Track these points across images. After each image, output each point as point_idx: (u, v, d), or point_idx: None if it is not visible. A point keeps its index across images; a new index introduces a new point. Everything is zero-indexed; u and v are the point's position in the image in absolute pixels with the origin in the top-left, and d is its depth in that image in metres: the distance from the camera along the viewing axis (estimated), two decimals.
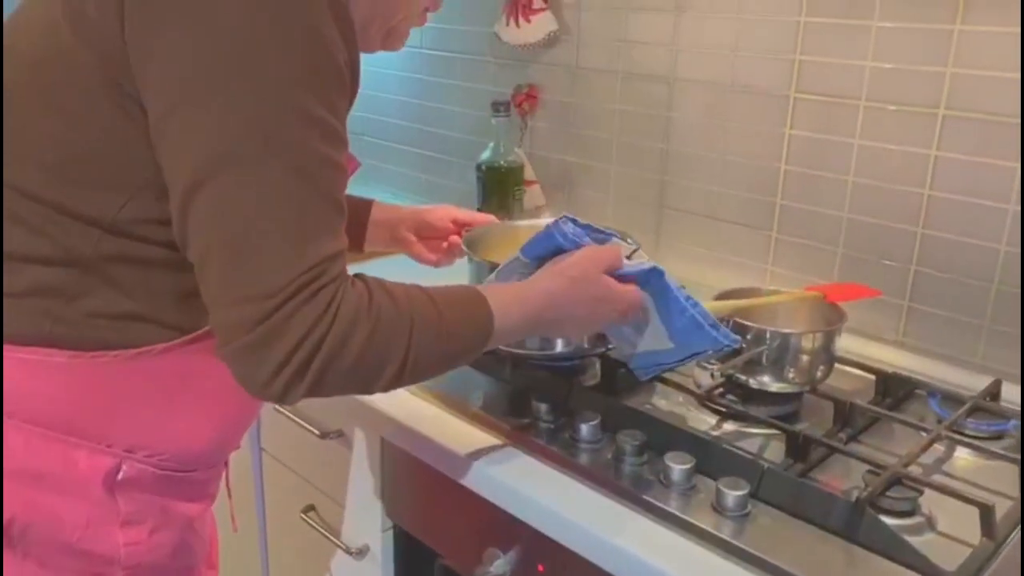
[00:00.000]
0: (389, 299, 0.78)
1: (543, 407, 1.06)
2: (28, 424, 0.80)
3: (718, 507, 0.90)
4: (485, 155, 1.67)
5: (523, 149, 1.74)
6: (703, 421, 1.07)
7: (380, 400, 1.11)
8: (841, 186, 1.33)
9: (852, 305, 1.13)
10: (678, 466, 0.93)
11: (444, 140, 1.98)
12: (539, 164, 1.75)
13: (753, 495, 0.91)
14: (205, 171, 0.71)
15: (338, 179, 0.77)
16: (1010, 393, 1.13)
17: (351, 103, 0.79)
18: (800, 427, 1.01)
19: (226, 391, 0.87)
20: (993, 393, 1.12)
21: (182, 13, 0.71)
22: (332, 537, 1.27)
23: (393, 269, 1.03)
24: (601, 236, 0.98)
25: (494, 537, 1.02)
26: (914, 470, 0.94)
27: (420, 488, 1.13)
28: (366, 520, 1.22)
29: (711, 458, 0.96)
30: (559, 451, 1.00)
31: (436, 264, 1.20)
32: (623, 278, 0.94)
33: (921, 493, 0.90)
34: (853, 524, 0.86)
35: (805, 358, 1.08)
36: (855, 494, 0.87)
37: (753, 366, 1.07)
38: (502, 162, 1.66)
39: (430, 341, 0.80)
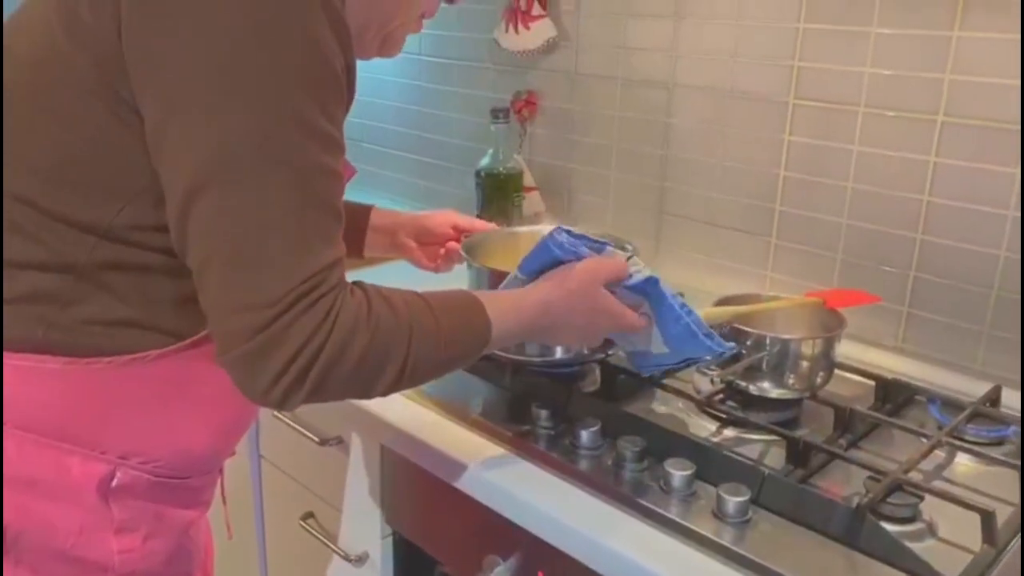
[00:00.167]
0: (388, 307, 0.78)
1: (543, 413, 1.06)
2: (21, 430, 0.80)
3: (719, 513, 0.90)
4: (484, 161, 1.68)
5: (522, 155, 1.75)
6: (703, 427, 1.07)
7: (380, 407, 1.10)
8: (840, 192, 1.33)
9: (852, 311, 1.13)
10: (678, 472, 0.93)
11: (443, 146, 1.98)
12: (538, 170, 1.75)
13: (754, 501, 0.91)
14: (203, 180, 0.71)
15: (336, 186, 0.77)
16: (1010, 399, 1.13)
17: (348, 109, 0.79)
18: (800, 433, 1.01)
19: (221, 397, 0.87)
20: (993, 399, 1.13)
21: (179, 20, 0.71)
22: (331, 544, 1.27)
23: (393, 275, 1.03)
24: (596, 245, 0.98)
25: (494, 544, 1.02)
26: (915, 476, 0.94)
27: (420, 495, 1.13)
28: (365, 527, 1.21)
29: (711, 464, 0.96)
30: (559, 457, 1.00)
31: (436, 270, 1.20)
32: (626, 290, 0.96)
33: (922, 499, 0.90)
34: (854, 530, 0.86)
35: (805, 364, 1.07)
36: (856, 500, 0.87)
37: (753, 372, 1.07)
38: (501, 168, 1.67)
39: (428, 348, 0.81)
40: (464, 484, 1.01)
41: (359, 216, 1.17)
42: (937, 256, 1.25)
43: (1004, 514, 0.89)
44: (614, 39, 1.58)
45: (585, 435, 1.01)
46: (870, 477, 0.93)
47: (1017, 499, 0.94)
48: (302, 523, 1.32)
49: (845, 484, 0.95)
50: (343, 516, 1.26)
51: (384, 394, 0.80)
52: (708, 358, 1.00)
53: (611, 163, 1.64)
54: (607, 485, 0.95)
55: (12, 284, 0.79)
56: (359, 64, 0.81)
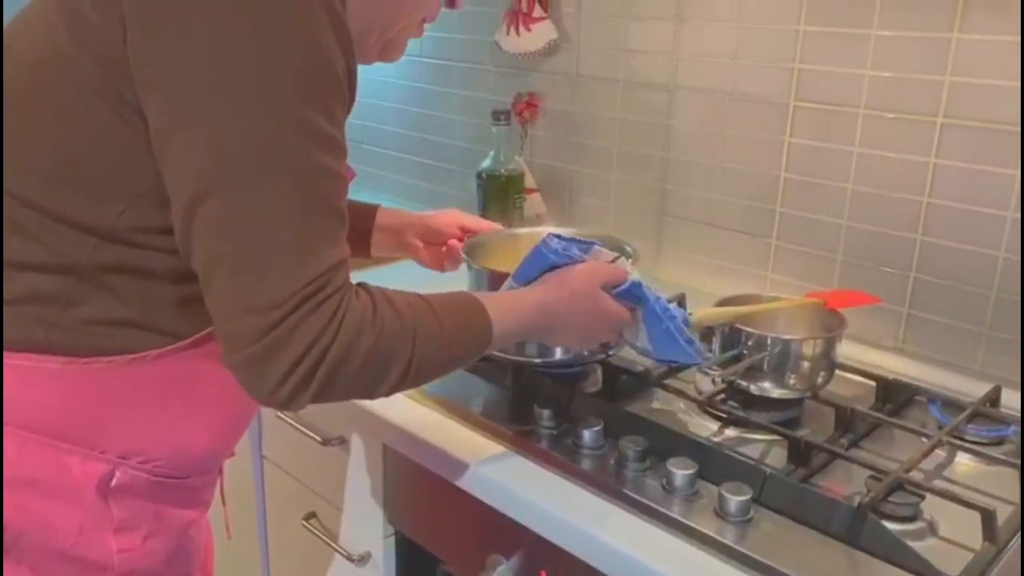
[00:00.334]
0: (392, 309, 0.79)
1: (545, 413, 1.06)
2: (21, 430, 0.80)
3: (721, 512, 0.90)
4: (485, 163, 1.68)
5: (523, 157, 1.75)
6: (705, 427, 1.08)
7: (382, 407, 1.11)
8: (840, 194, 1.34)
9: (852, 312, 1.14)
10: (680, 471, 0.93)
11: (444, 148, 1.99)
12: (539, 172, 1.75)
13: (756, 500, 0.91)
14: (208, 184, 0.72)
15: (339, 188, 0.77)
16: (1010, 399, 1.14)
17: (348, 112, 0.80)
18: (801, 433, 1.01)
19: (220, 397, 0.88)
20: (993, 399, 1.13)
21: (182, 23, 0.71)
22: (334, 544, 1.27)
23: (399, 275, 1.04)
24: (584, 245, 1.00)
25: (496, 543, 1.02)
26: (915, 475, 0.95)
27: (422, 494, 1.13)
28: (368, 527, 1.22)
29: (713, 464, 0.96)
30: (561, 457, 1.00)
31: (442, 270, 1.21)
32: (619, 295, 0.98)
33: (923, 498, 0.90)
34: (855, 529, 0.87)
35: (806, 364, 1.08)
36: (857, 499, 0.88)
37: (754, 372, 1.08)
38: (502, 170, 1.67)
39: (432, 349, 0.82)
40: (467, 483, 1.01)
41: (365, 216, 1.18)
42: (937, 257, 1.26)
43: (1004, 513, 0.89)
44: (615, 41, 1.59)
45: (587, 435, 1.02)
46: (871, 476, 0.93)
47: (1017, 498, 0.94)
48: (304, 523, 1.32)
49: (846, 483, 0.96)
50: (345, 516, 1.27)
51: (388, 394, 0.81)
52: (687, 364, 1.03)
53: (612, 165, 1.64)
54: (609, 484, 0.96)
55: (13, 285, 0.79)
56: (360, 66, 0.82)
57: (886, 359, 1.28)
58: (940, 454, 1.03)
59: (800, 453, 0.97)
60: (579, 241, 1.01)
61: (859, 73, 1.29)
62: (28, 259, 0.79)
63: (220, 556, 1.07)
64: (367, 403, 1.12)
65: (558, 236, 1.00)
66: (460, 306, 0.87)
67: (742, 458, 0.98)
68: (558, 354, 1.11)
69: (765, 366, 1.07)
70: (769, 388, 1.08)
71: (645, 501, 0.92)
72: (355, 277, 0.80)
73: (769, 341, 1.07)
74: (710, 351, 1.13)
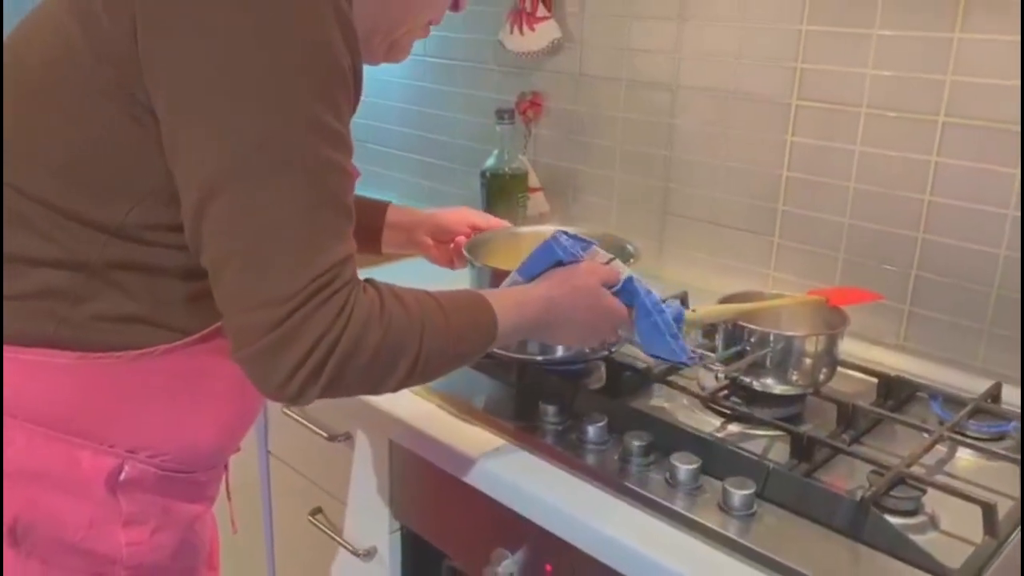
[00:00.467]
0: (399, 304, 0.80)
1: (550, 409, 1.07)
2: (32, 424, 0.81)
3: (724, 506, 0.91)
4: (489, 162, 1.69)
5: (527, 156, 1.76)
6: (708, 423, 1.08)
7: (388, 403, 1.12)
8: (842, 192, 1.35)
9: (854, 310, 1.15)
10: (684, 466, 0.94)
11: (447, 147, 2.00)
12: (543, 171, 1.76)
13: (759, 495, 0.92)
14: (217, 181, 0.73)
15: (345, 184, 0.78)
16: (1010, 395, 1.15)
17: (354, 110, 0.81)
18: (804, 428, 1.02)
19: (227, 393, 0.89)
20: (994, 395, 1.14)
21: (191, 23, 0.72)
22: (340, 539, 1.28)
23: (408, 272, 1.05)
24: (584, 244, 1.01)
25: (502, 537, 1.03)
26: (917, 470, 0.95)
27: (428, 489, 1.14)
28: (374, 522, 1.23)
29: (717, 459, 0.97)
30: (566, 452, 1.01)
31: (452, 267, 1.22)
32: (617, 293, 1.00)
33: (924, 492, 0.91)
34: (858, 523, 0.88)
35: (808, 361, 1.09)
36: (859, 493, 0.89)
37: (757, 368, 1.09)
38: (506, 169, 1.68)
39: (439, 344, 0.82)
40: (472, 478, 1.02)
41: (376, 213, 1.19)
42: (938, 255, 1.27)
43: (1005, 507, 0.90)
44: (618, 41, 1.60)
45: (592, 430, 1.03)
46: (873, 471, 0.94)
47: (1017, 493, 0.95)
48: (310, 518, 1.33)
49: (849, 478, 0.97)
50: (351, 511, 1.28)
51: (395, 389, 0.82)
52: (672, 361, 1.02)
53: (615, 164, 1.65)
54: (614, 479, 0.97)
55: (25, 280, 0.80)
56: (365, 66, 0.83)
57: (888, 356, 1.28)
58: (941, 449, 1.04)
59: (803, 448, 0.98)
60: (582, 240, 1.03)
61: (861, 72, 1.30)
62: (40, 255, 0.80)
63: (226, 551, 1.07)
64: (373, 399, 1.13)
65: (566, 233, 1.01)
66: (466, 302, 0.88)
67: (745, 453, 0.99)
68: (560, 351, 1.12)
69: (768, 362, 1.08)
70: (772, 384, 1.09)
71: (649, 495, 0.93)
72: (364, 273, 0.81)
73: (772, 338, 1.08)
74: (712, 348, 1.14)
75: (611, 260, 1.02)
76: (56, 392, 0.81)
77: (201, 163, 0.74)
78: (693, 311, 1.10)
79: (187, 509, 0.91)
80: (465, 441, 1.05)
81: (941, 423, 1.08)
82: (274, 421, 1.42)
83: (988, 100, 1.19)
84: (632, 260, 1.13)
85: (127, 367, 0.82)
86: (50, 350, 0.80)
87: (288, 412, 1.32)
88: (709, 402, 1.11)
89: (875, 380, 1.17)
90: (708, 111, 1.49)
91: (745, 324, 1.09)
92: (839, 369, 1.14)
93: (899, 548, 0.85)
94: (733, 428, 1.08)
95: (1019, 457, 1.00)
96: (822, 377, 1.10)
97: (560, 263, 0.99)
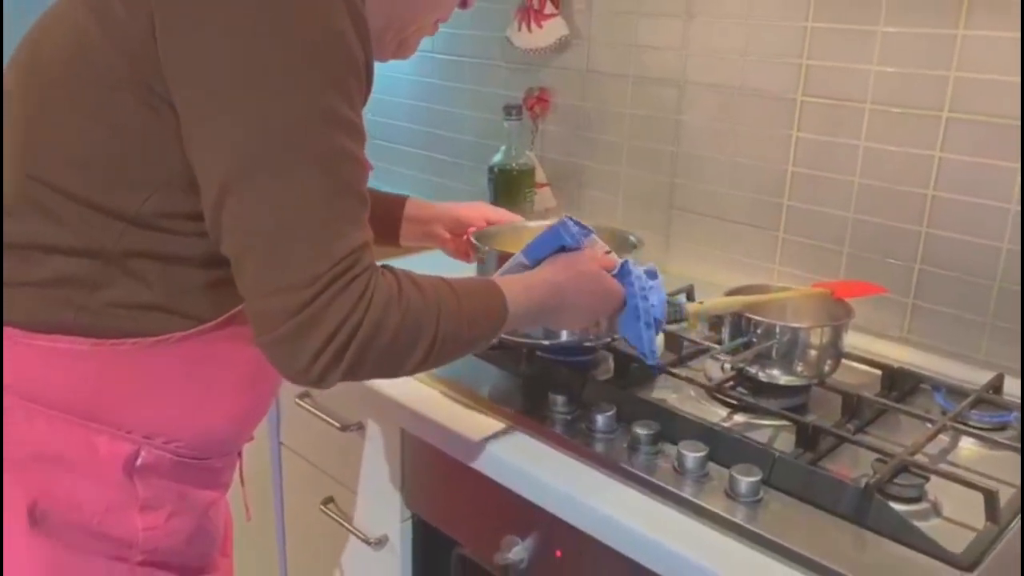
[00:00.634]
0: (416, 288, 0.82)
1: (559, 399, 1.09)
2: (51, 409, 0.83)
3: (731, 493, 0.93)
4: (497, 158, 1.71)
5: (534, 152, 1.78)
6: (714, 413, 1.10)
7: (400, 393, 1.14)
8: (847, 187, 1.37)
9: (858, 303, 1.16)
10: (692, 454, 0.96)
11: (455, 143, 2.01)
12: (550, 166, 1.78)
13: (765, 482, 0.94)
14: (238, 171, 0.75)
15: (360, 172, 0.80)
16: (1012, 386, 1.16)
17: (365, 101, 0.83)
18: (809, 418, 1.04)
19: (241, 380, 0.91)
20: (996, 386, 1.16)
21: (207, 17, 0.74)
22: (352, 528, 1.30)
23: (424, 263, 1.06)
24: (585, 232, 1.03)
25: (512, 524, 1.05)
26: (920, 458, 0.97)
27: (439, 478, 1.16)
28: (385, 510, 1.24)
29: (723, 447, 0.99)
30: (575, 440, 1.03)
31: (468, 260, 1.24)
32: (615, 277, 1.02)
33: (927, 480, 0.93)
34: (862, 509, 0.89)
35: (813, 352, 1.10)
36: (864, 481, 0.90)
37: (763, 360, 1.10)
38: (514, 165, 1.70)
39: (454, 327, 0.84)
40: (483, 466, 1.04)
41: (394, 207, 1.22)
42: (942, 249, 1.29)
43: (1006, 494, 0.92)
44: (626, 38, 1.62)
45: (600, 419, 1.04)
46: (877, 459, 0.96)
47: (1018, 480, 0.97)
48: (322, 508, 1.35)
49: (853, 467, 0.98)
50: (363, 500, 1.29)
51: (412, 372, 0.84)
52: (637, 350, 1.04)
53: (622, 159, 1.67)
54: (622, 466, 0.98)
55: (43, 268, 0.82)
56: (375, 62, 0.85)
57: (892, 349, 1.30)
58: (944, 439, 1.06)
59: (808, 437, 1.00)
60: (582, 227, 1.04)
61: (866, 69, 1.32)
62: (58, 243, 0.82)
63: (238, 539, 1.09)
64: (385, 389, 1.15)
65: (573, 220, 1.03)
66: (477, 288, 0.90)
67: (751, 442, 1.00)
68: (564, 336, 1.13)
69: (774, 354, 1.10)
70: (777, 375, 1.11)
71: (657, 482, 0.95)
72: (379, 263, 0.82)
73: (778, 329, 1.10)
74: (718, 340, 1.16)
75: (608, 253, 1.03)
76: (74, 378, 0.83)
77: (220, 154, 0.75)
78: (700, 303, 1.11)
79: (202, 495, 0.93)
80: (476, 430, 1.07)
81: (944, 413, 1.10)
82: (286, 412, 1.44)
83: (991, 96, 1.20)
84: (634, 250, 1.15)
85: (143, 354, 0.84)
86: (68, 336, 0.82)
87: (301, 403, 1.33)
88: (715, 393, 1.13)
89: (879, 372, 1.19)
90: (714, 107, 1.51)
91: (751, 316, 1.11)
92: (844, 362, 1.15)
93: (902, 534, 0.87)
94: (739, 418, 1.09)
95: (1019, 446, 1.01)
96: (827, 368, 1.12)
97: (564, 248, 1.00)
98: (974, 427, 1.08)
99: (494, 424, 1.09)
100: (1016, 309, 1.22)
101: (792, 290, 1.20)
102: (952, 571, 0.82)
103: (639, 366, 1.16)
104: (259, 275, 0.76)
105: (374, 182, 0.85)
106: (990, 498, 0.88)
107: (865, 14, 1.30)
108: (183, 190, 0.79)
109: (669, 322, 1.08)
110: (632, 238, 1.20)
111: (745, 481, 0.92)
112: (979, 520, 0.88)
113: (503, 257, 1.08)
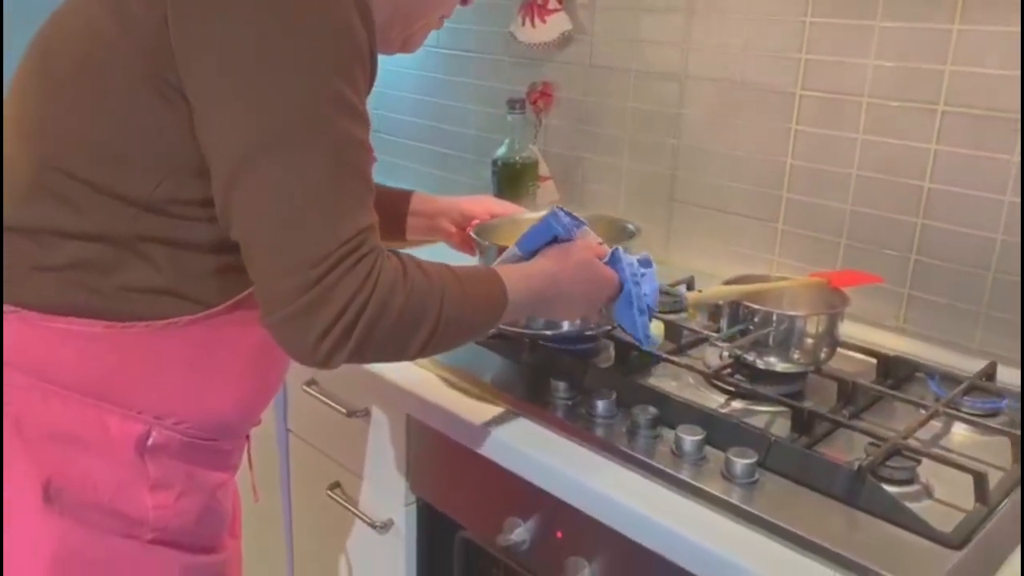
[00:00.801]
0: (421, 271, 0.85)
1: (561, 385, 1.11)
2: (66, 390, 0.86)
3: (727, 475, 0.95)
4: (500, 151, 1.73)
5: (537, 145, 1.80)
6: (712, 399, 1.12)
7: (405, 379, 1.16)
8: (845, 179, 1.39)
9: (855, 293, 1.18)
10: (689, 437, 0.98)
11: (459, 137, 2.04)
12: (553, 160, 1.80)
13: (760, 464, 0.96)
14: (248, 156, 0.77)
15: (366, 157, 0.83)
16: (1005, 374, 1.19)
17: (370, 88, 0.85)
18: (805, 404, 1.06)
19: (248, 363, 0.94)
20: (989, 374, 1.18)
21: (219, 7, 0.77)
22: (358, 512, 1.33)
23: (431, 256, 1.08)
24: (577, 223, 1.05)
25: (515, 506, 1.08)
26: (913, 443, 0.99)
27: (444, 462, 1.18)
28: (390, 495, 1.27)
29: (720, 431, 1.01)
30: (576, 425, 1.05)
31: (472, 253, 1.26)
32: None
33: (919, 463, 0.95)
34: (855, 491, 0.91)
35: (810, 340, 1.12)
36: (857, 463, 0.92)
37: (760, 347, 1.12)
38: (517, 158, 1.72)
39: (457, 310, 0.87)
40: (487, 450, 1.06)
41: (400, 201, 1.24)
42: (937, 240, 1.31)
43: (996, 477, 0.94)
44: (628, 33, 1.64)
45: (601, 404, 1.07)
46: (871, 443, 0.98)
47: (1007, 464, 0.99)
48: (329, 493, 1.38)
49: (848, 451, 1.00)
50: (368, 485, 1.32)
51: (415, 356, 0.86)
52: (631, 335, 1.05)
53: (624, 153, 1.69)
54: (622, 449, 1.00)
55: (58, 252, 0.85)
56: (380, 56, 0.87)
57: (887, 338, 1.32)
58: (937, 424, 1.08)
59: (804, 422, 1.02)
60: (575, 219, 1.06)
61: (863, 63, 1.34)
62: (72, 228, 0.84)
63: (246, 521, 1.12)
64: (390, 375, 1.17)
65: (564, 211, 1.05)
66: (479, 275, 0.93)
67: (748, 426, 1.02)
68: (565, 325, 1.15)
69: (771, 341, 1.12)
70: (774, 362, 1.13)
71: (656, 464, 0.97)
72: None
73: (775, 317, 1.12)
74: (716, 328, 1.18)
75: (600, 244, 1.06)
76: (87, 359, 0.86)
77: (231, 140, 0.78)
78: (699, 292, 1.14)
79: (211, 476, 0.96)
80: (480, 415, 1.09)
81: (937, 400, 1.12)
82: (294, 399, 1.46)
83: (986, 89, 1.22)
84: (632, 238, 1.18)
85: (154, 336, 0.86)
86: (81, 319, 0.85)
87: (308, 390, 1.36)
88: (713, 379, 1.15)
89: (874, 360, 1.21)
90: (715, 101, 1.53)
91: (749, 304, 1.13)
92: (840, 350, 1.17)
93: (894, 514, 0.88)
94: (737, 404, 1.12)
95: (1013, 431, 1.03)
96: (823, 356, 1.14)
97: (556, 239, 1.03)
98: (966, 413, 1.10)
99: (498, 411, 1.11)
100: (1011, 299, 1.24)
101: (790, 279, 1.22)
102: (942, 549, 0.84)
103: (639, 354, 1.19)
104: (269, 257, 0.79)
105: (378, 176, 0.87)
106: (980, 480, 0.90)
107: (863, 10, 1.32)
108: (194, 176, 0.82)
109: (670, 312, 1.10)
110: (630, 226, 1.22)
111: (741, 463, 0.94)
112: (969, 501, 0.90)
113: (502, 251, 1.11)
